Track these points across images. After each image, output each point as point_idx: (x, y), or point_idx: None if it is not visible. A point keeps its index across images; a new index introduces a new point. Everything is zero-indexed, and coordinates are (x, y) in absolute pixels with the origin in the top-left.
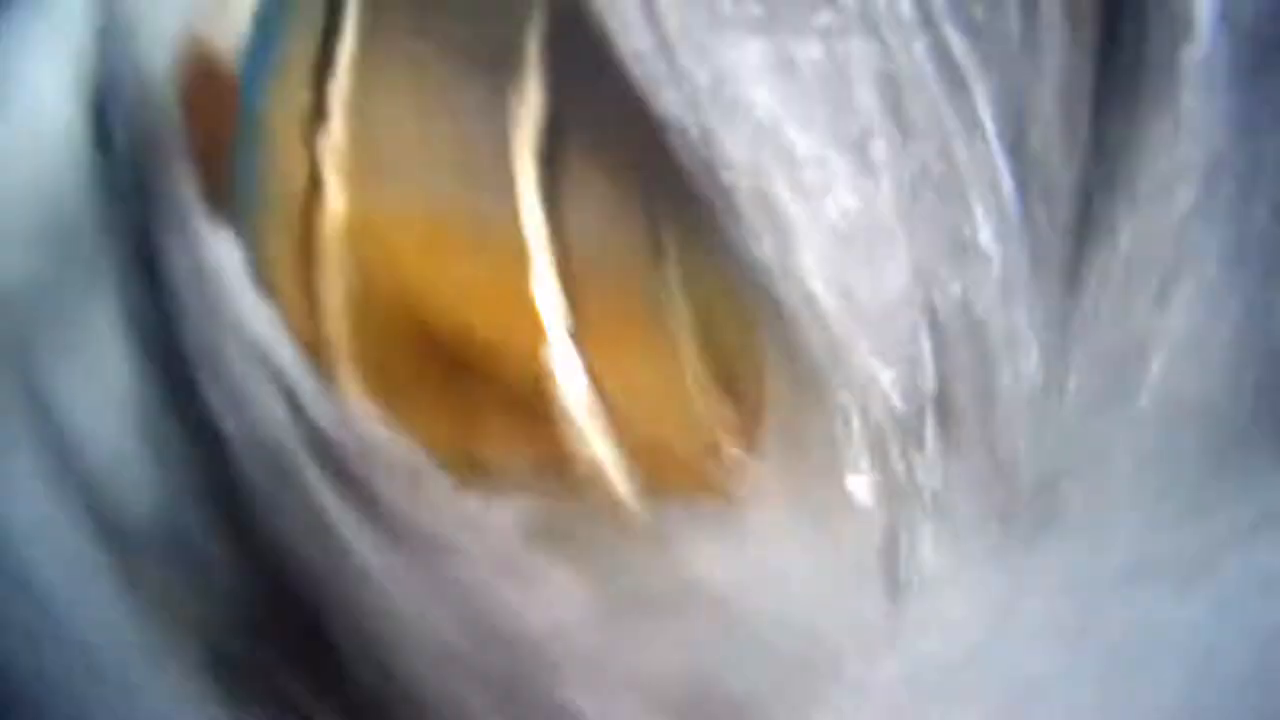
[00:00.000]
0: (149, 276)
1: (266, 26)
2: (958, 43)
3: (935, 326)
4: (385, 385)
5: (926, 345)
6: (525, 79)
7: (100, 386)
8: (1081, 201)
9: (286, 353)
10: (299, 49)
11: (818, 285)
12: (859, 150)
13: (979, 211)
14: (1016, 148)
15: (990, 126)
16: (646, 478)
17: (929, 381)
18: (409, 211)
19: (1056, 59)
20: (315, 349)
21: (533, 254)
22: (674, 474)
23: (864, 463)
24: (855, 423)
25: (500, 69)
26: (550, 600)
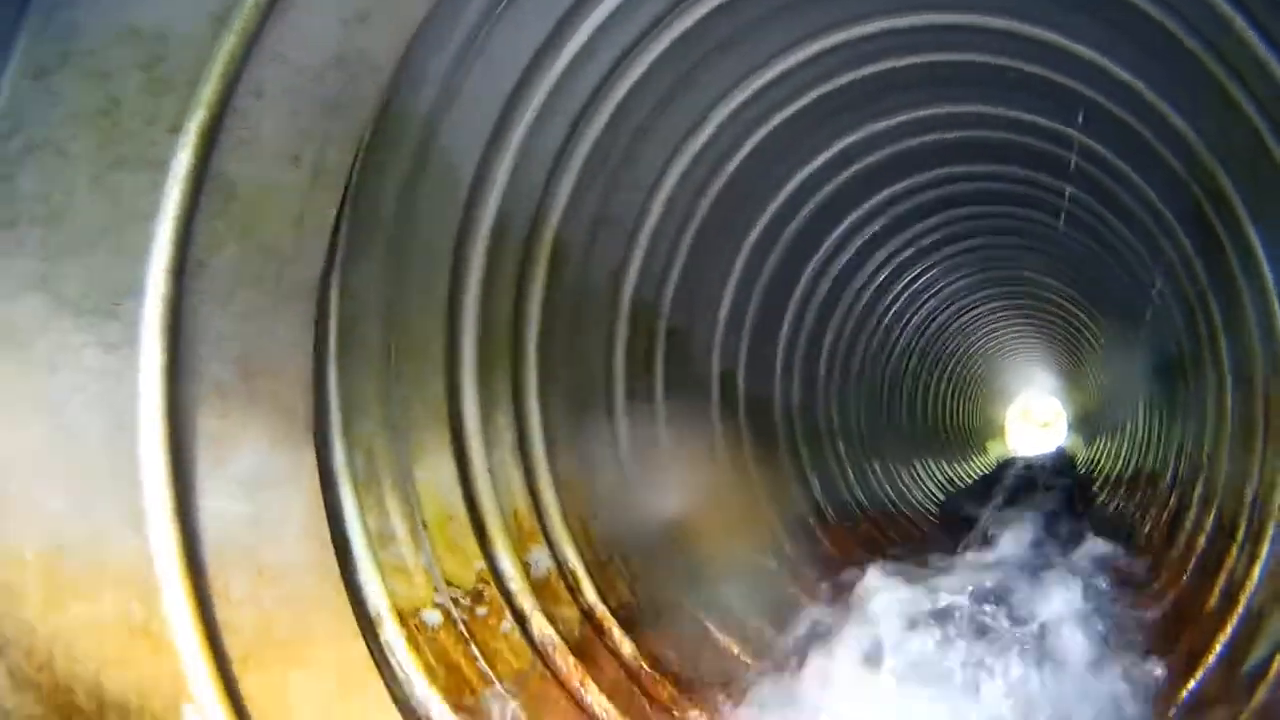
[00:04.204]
0: None
1: None
2: None
3: None
4: None
5: None
6: (141, 325)
7: None
8: None
9: None
10: None
11: None
12: None
13: None
14: None
15: None
16: None
17: None
18: (26, 545)
19: None
20: None
21: (160, 582)
22: None
23: None
24: None
25: (110, 317)
26: None
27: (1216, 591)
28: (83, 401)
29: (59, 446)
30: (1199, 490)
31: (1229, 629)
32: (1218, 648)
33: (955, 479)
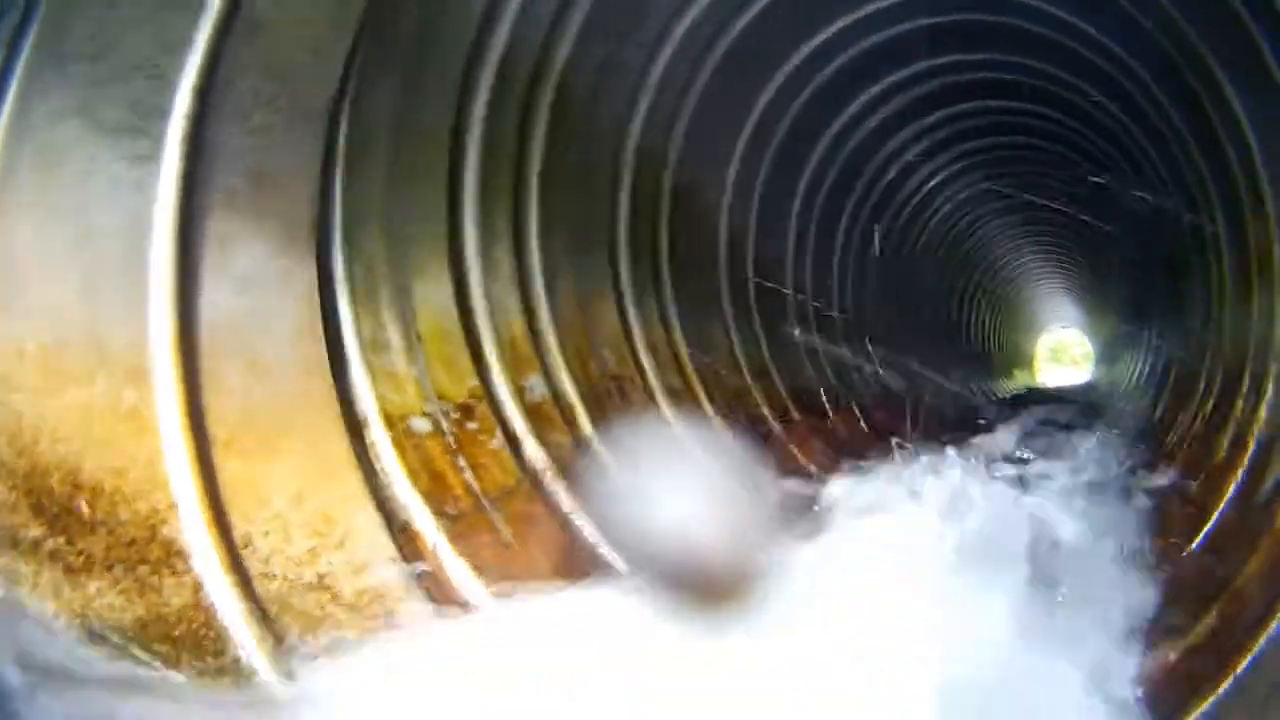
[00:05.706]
0: None
1: None
2: None
3: None
4: None
5: None
6: (165, 141)
7: None
8: None
9: None
10: None
11: None
12: None
13: None
14: None
15: None
16: (287, 633)
17: None
18: (28, 338)
19: None
20: None
21: (153, 367)
22: (325, 623)
23: None
24: None
25: (140, 134)
26: None
27: (1225, 443)
28: (105, 208)
29: (77, 248)
30: (1205, 363)
31: (1239, 473)
32: (1229, 491)
33: (980, 394)
